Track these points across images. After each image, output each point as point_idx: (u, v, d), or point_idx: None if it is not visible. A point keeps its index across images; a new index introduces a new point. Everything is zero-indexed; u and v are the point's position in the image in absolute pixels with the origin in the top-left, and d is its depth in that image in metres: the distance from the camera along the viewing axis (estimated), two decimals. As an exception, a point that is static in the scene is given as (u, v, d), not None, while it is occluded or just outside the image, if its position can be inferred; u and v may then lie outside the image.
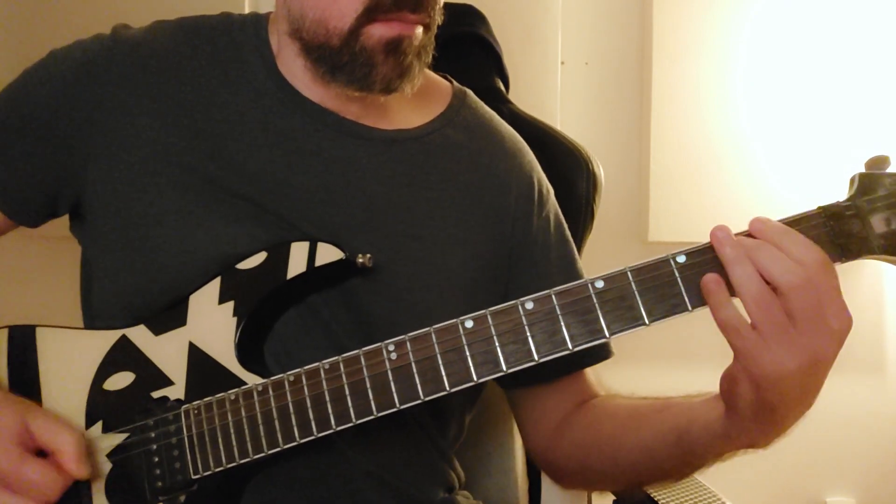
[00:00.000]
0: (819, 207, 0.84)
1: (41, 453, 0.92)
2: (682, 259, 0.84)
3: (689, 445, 0.95)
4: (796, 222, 0.84)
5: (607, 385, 1.18)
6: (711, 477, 1.39)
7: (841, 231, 0.83)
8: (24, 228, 1.13)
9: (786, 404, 0.85)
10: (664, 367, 2.17)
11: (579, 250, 1.50)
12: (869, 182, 0.84)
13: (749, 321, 0.81)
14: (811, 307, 0.79)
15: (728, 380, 0.86)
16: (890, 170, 0.85)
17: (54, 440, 0.92)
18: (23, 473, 0.89)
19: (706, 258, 0.84)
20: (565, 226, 1.21)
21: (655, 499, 1.38)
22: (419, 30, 1.01)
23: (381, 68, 1.00)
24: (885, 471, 2.27)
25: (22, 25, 1.99)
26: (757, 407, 0.85)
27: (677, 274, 0.84)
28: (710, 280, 0.82)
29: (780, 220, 0.84)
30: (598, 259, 1.35)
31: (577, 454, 1.13)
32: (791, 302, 0.79)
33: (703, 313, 0.84)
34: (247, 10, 1.78)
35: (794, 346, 0.80)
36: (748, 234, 0.84)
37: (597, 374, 1.19)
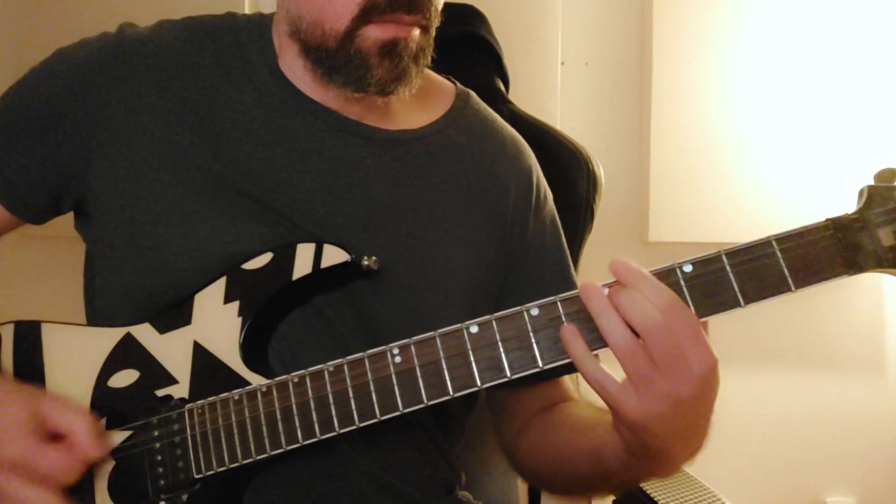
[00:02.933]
0: (827, 219, 0.84)
1: (53, 439, 0.93)
2: (688, 269, 0.84)
3: (604, 468, 0.97)
4: (803, 234, 0.84)
5: (584, 390, 1.19)
6: (711, 477, 1.40)
7: (848, 243, 0.83)
8: (26, 227, 1.13)
9: (666, 445, 0.86)
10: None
11: (579, 250, 1.50)
12: (878, 194, 0.84)
13: (605, 372, 0.83)
14: (670, 349, 0.80)
15: (613, 423, 0.89)
16: None
17: (66, 422, 0.92)
18: (39, 461, 0.90)
19: (713, 268, 0.84)
20: (561, 231, 1.22)
21: (655, 498, 1.38)
22: (416, 32, 1.00)
23: (376, 71, 0.99)
24: (885, 471, 2.27)
25: (25, 25, 1.99)
26: (639, 448, 0.87)
27: (683, 284, 0.84)
28: (567, 332, 0.84)
29: (784, 233, 0.84)
30: (599, 259, 1.35)
31: (530, 456, 1.15)
32: (651, 345, 0.80)
33: (710, 320, 0.85)
34: (247, 10, 1.78)
35: (657, 392, 0.81)
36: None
37: (574, 379, 1.20)
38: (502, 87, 1.70)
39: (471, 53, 1.67)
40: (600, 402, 1.10)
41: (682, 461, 0.92)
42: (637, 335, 0.81)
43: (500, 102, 1.61)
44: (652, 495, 1.38)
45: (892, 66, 2.07)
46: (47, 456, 0.90)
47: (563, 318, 0.85)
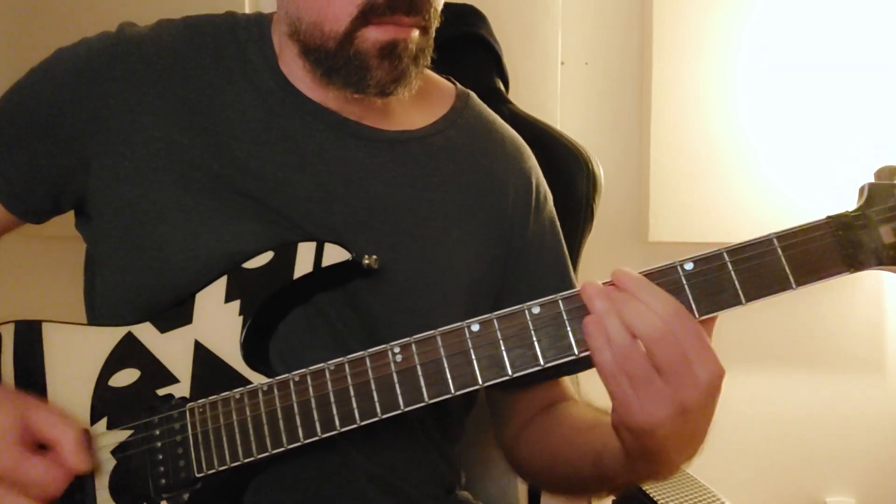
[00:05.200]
0: (827, 217, 0.84)
1: (41, 449, 0.92)
2: (689, 266, 0.84)
3: (603, 469, 0.98)
4: (803, 232, 0.84)
5: (584, 391, 1.19)
6: (711, 477, 1.40)
7: (849, 241, 0.83)
8: (27, 227, 1.13)
9: (667, 449, 0.86)
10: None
11: (579, 250, 1.50)
12: (878, 192, 0.84)
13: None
14: (675, 358, 0.80)
15: (613, 423, 0.88)
16: None
17: (54, 433, 0.92)
18: (24, 471, 0.89)
19: (714, 266, 0.83)
20: (561, 233, 1.22)
21: (655, 498, 1.38)
22: (415, 33, 1.00)
23: (376, 72, 0.99)
24: (885, 471, 2.27)
25: (25, 25, 1.99)
26: (640, 452, 0.87)
27: (685, 281, 0.84)
28: (591, 322, 0.83)
29: (785, 230, 0.84)
30: (599, 259, 1.36)
31: (529, 457, 1.16)
32: (654, 354, 0.80)
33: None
34: (247, 10, 1.78)
35: (660, 397, 0.80)
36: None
37: (574, 379, 1.20)
38: (502, 87, 1.70)
39: (471, 53, 1.67)
40: (600, 403, 1.11)
41: (679, 464, 0.92)
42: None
43: (500, 102, 1.61)
44: (652, 495, 1.38)
45: (892, 65, 2.07)
46: (32, 466, 0.90)
47: (565, 316, 0.85)
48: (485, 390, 1.20)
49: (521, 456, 1.18)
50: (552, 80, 2.15)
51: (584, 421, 1.09)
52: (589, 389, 1.19)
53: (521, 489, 1.46)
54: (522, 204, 1.17)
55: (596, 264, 1.21)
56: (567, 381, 1.19)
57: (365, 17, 0.97)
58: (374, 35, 0.98)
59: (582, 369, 1.15)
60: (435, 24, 1.03)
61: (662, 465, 0.91)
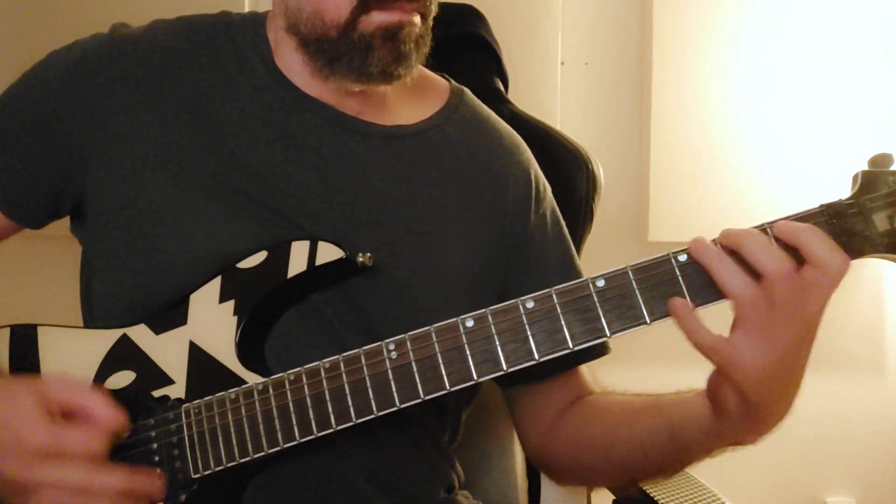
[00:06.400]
0: (821, 205, 0.84)
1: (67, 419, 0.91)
2: (683, 258, 0.85)
3: (682, 441, 0.97)
4: (799, 220, 0.84)
5: (603, 382, 1.18)
6: (711, 476, 1.39)
7: (843, 229, 0.83)
8: (24, 229, 1.13)
9: (768, 402, 0.86)
10: (663, 366, 2.17)
11: (579, 250, 1.50)
12: (872, 180, 0.84)
13: (715, 334, 0.83)
14: (794, 293, 0.80)
15: (712, 386, 0.88)
16: (893, 167, 0.85)
17: (79, 398, 0.91)
18: (64, 442, 0.88)
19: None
20: (563, 223, 1.21)
21: (654, 498, 1.38)
22: (416, 17, 1.01)
23: (379, 52, 0.99)
24: (885, 471, 2.27)
25: (21, 26, 1.99)
26: (742, 408, 0.86)
27: (678, 272, 0.84)
28: (678, 305, 0.83)
29: (783, 218, 0.84)
30: (598, 259, 1.35)
31: (571, 450, 1.14)
32: (776, 290, 0.80)
33: (706, 312, 0.84)
34: (246, 9, 1.78)
35: (774, 338, 0.81)
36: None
37: (592, 372, 1.19)
38: (501, 87, 1.70)
39: (470, 53, 1.67)
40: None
41: (773, 424, 0.91)
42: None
43: (500, 102, 1.61)
44: (652, 495, 1.38)
45: (891, 64, 2.07)
46: (72, 435, 0.89)
47: (559, 310, 0.85)
48: (506, 395, 1.20)
49: (560, 452, 1.16)
50: (552, 80, 2.15)
51: (640, 402, 1.07)
52: (607, 382, 1.19)
53: (521, 488, 1.46)
54: (522, 198, 1.16)
55: (596, 264, 1.20)
56: (587, 373, 1.18)
57: (365, 4, 0.98)
58: (378, 18, 0.98)
59: (594, 357, 1.14)
60: (433, 11, 1.03)
61: (759, 423, 0.90)
